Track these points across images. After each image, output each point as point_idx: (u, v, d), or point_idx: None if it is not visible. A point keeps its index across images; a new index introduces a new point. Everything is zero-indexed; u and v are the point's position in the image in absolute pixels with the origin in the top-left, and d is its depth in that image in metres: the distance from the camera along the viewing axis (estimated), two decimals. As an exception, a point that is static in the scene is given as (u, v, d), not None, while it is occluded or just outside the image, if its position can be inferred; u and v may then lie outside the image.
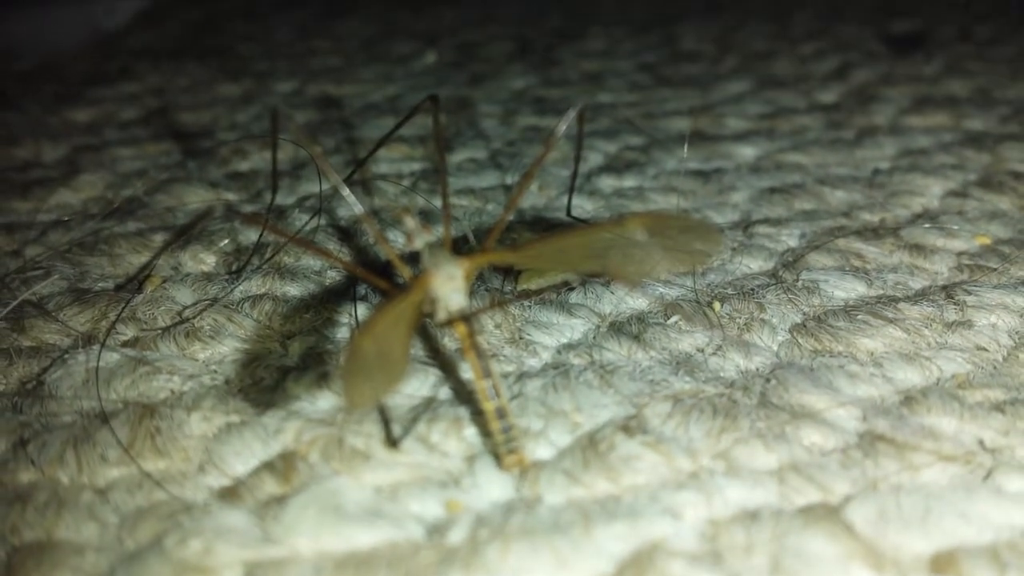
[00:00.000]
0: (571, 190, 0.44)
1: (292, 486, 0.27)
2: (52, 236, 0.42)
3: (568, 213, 0.44)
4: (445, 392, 0.31)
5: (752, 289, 0.37)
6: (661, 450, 0.28)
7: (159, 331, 0.34)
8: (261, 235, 0.40)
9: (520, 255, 0.30)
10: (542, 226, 0.43)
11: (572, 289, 0.36)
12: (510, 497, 0.27)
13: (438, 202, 0.45)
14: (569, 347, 0.33)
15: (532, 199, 0.46)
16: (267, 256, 0.39)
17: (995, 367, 0.32)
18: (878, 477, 0.27)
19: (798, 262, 0.39)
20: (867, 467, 0.27)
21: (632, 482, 0.27)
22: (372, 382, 0.25)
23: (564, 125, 0.33)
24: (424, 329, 0.34)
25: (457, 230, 0.42)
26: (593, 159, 0.51)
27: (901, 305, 0.35)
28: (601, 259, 0.29)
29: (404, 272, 0.32)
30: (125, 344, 0.34)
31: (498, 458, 0.28)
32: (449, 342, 0.33)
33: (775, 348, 0.33)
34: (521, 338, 0.34)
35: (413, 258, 0.37)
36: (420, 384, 0.31)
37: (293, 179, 0.48)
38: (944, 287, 0.37)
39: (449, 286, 0.29)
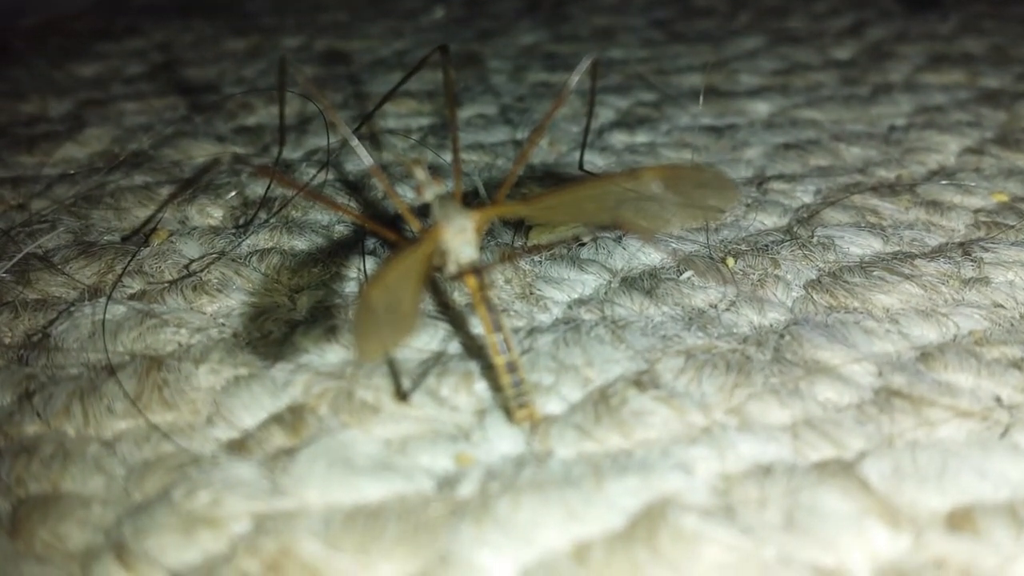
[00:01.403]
0: (583, 144, 0.44)
1: (301, 438, 0.27)
2: (58, 190, 0.42)
3: (580, 167, 0.43)
4: (455, 346, 0.31)
5: (766, 245, 0.36)
6: (673, 405, 0.28)
7: (166, 284, 0.34)
8: (269, 187, 0.40)
9: (532, 207, 0.29)
10: (553, 181, 0.43)
11: (583, 244, 0.36)
12: (521, 451, 0.27)
13: (447, 156, 0.44)
14: (580, 302, 0.33)
15: (542, 155, 0.46)
16: (275, 209, 0.39)
17: (1012, 324, 0.32)
18: (894, 433, 0.27)
19: (813, 218, 0.38)
20: (883, 423, 0.27)
21: (644, 436, 0.27)
22: (382, 334, 0.24)
23: (577, 77, 0.33)
24: (434, 283, 0.33)
25: (467, 184, 0.41)
26: (605, 115, 0.51)
27: (917, 261, 0.35)
28: (614, 212, 0.28)
29: (414, 224, 0.32)
30: (132, 297, 0.33)
31: (509, 412, 0.27)
32: (459, 296, 0.33)
33: (789, 304, 0.33)
34: (532, 293, 0.33)
35: (422, 212, 0.36)
36: (430, 338, 0.31)
37: (300, 133, 0.48)
38: (961, 244, 0.36)
39: (460, 238, 0.29)
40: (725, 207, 0.34)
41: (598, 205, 0.28)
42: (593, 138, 0.48)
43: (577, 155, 0.45)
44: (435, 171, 0.34)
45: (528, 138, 0.37)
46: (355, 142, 0.31)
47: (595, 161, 0.45)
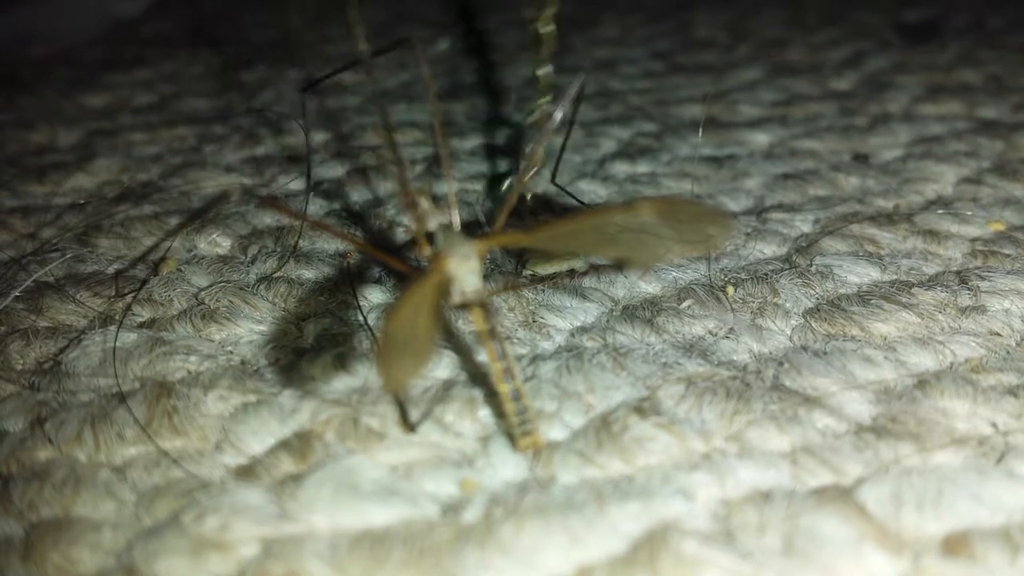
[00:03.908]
0: (558, 160, 0.44)
1: (308, 464, 0.27)
2: (68, 219, 0.42)
3: (552, 180, 0.44)
4: (460, 374, 0.31)
5: (766, 274, 0.37)
6: (674, 431, 0.28)
7: (175, 313, 0.34)
8: (304, 218, 0.40)
9: (533, 237, 0.30)
10: (555, 211, 0.43)
11: (585, 274, 0.36)
12: (524, 477, 0.27)
13: (455, 185, 0.45)
14: (583, 330, 0.33)
15: (545, 185, 0.46)
16: (280, 238, 0.39)
17: (1008, 352, 0.32)
18: (891, 459, 0.27)
19: (812, 247, 0.39)
20: (880, 449, 0.27)
21: (645, 463, 0.27)
22: (404, 364, 0.25)
23: (565, 103, 0.34)
24: (439, 312, 0.34)
25: (470, 214, 0.42)
26: (606, 145, 0.51)
27: (915, 290, 0.35)
28: (612, 243, 0.29)
29: (424, 252, 0.32)
30: (141, 325, 0.34)
31: (512, 439, 0.28)
32: (463, 324, 0.33)
33: (788, 332, 0.33)
34: (535, 321, 0.34)
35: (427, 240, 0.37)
36: (435, 366, 0.31)
37: (305, 163, 0.48)
38: (958, 272, 0.37)
39: (464, 268, 0.29)
40: (721, 239, 0.34)
41: (597, 236, 0.29)
42: (595, 168, 0.48)
43: (580, 184, 0.45)
44: (438, 201, 0.35)
45: (523, 165, 0.38)
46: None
47: (597, 191, 0.46)
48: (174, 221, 0.42)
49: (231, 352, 0.32)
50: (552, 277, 0.36)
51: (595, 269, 0.36)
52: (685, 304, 0.35)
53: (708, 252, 0.38)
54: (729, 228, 0.29)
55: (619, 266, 0.37)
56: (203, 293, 0.36)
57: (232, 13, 0.85)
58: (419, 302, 0.26)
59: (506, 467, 0.27)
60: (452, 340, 0.33)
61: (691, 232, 0.28)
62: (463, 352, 0.32)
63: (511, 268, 0.37)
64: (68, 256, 0.39)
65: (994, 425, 0.28)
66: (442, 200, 0.43)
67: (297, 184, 0.46)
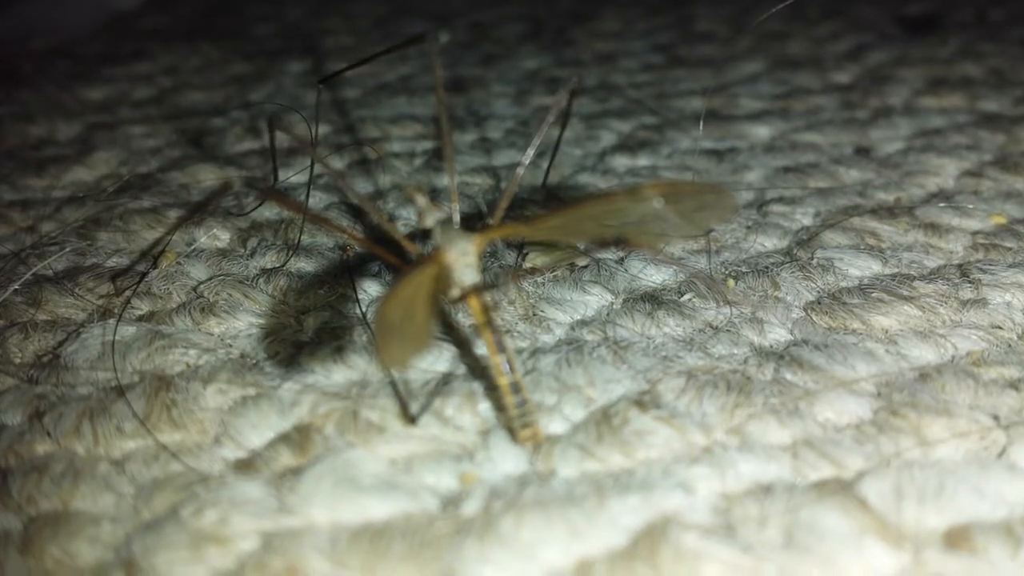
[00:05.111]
0: (551, 164, 0.45)
1: (308, 458, 0.27)
2: (67, 212, 0.42)
3: (543, 184, 0.44)
4: (459, 367, 0.31)
5: (766, 267, 0.37)
6: (675, 425, 0.28)
7: (174, 306, 0.34)
8: (306, 211, 0.40)
9: (533, 228, 0.30)
10: (555, 202, 0.43)
11: (585, 267, 0.36)
12: (524, 470, 0.27)
13: (456, 179, 0.45)
14: (583, 323, 0.33)
15: (542, 176, 0.46)
16: (280, 231, 0.39)
17: (1009, 345, 0.32)
18: (892, 453, 0.27)
19: (813, 240, 0.39)
20: (881, 443, 0.27)
21: (646, 456, 0.27)
22: (403, 343, 0.25)
23: (561, 102, 0.34)
24: (436, 299, 0.34)
25: (471, 207, 0.42)
26: (607, 138, 0.51)
27: (916, 283, 0.35)
28: (618, 229, 0.29)
29: (412, 249, 0.32)
30: (140, 318, 0.34)
31: (512, 432, 0.28)
32: (463, 318, 0.33)
33: (789, 325, 0.33)
34: (535, 314, 0.34)
35: (426, 235, 0.37)
36: (435, 359, 0.31)
37: (305, 157, 0.48)
38: (959, 266, 0.37)
39: (462, 262, 0.29)
40: (725, 219, 0.34)
41: (599, 224, 0.29)
42: (595, 161, 0.48)
43: (580, 177, 0.45)
44: (436, 196, 0.35)
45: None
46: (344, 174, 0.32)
47: (597, 184, 0.45)
48: (173, 214, 0.42)
49: (230, 345, 0.32)
50: (552, 270, 0.36)
51: (595, 262, 0.36)
52: (685, 297, 0.34)
53: (712, 230, 0.38)
54: (732, 205, 0.29)
55: (620, 259, 0.36)
56: (202, 286, 0.36)
57: (231, 6, 0.85)
58: (416, 288, 0.26)
59: (506, 460, 0.27)
60: (451, 333, 0.33)
61: (695, 213, 0.28)
62: (463, 345, 0.32)
63: (511, 261, 0.37)
64: (67, 249, 0.39)
65: (996, 418, 0.28)
66: (443, 193, 0.44)
67: (297, 178, 0.46)
